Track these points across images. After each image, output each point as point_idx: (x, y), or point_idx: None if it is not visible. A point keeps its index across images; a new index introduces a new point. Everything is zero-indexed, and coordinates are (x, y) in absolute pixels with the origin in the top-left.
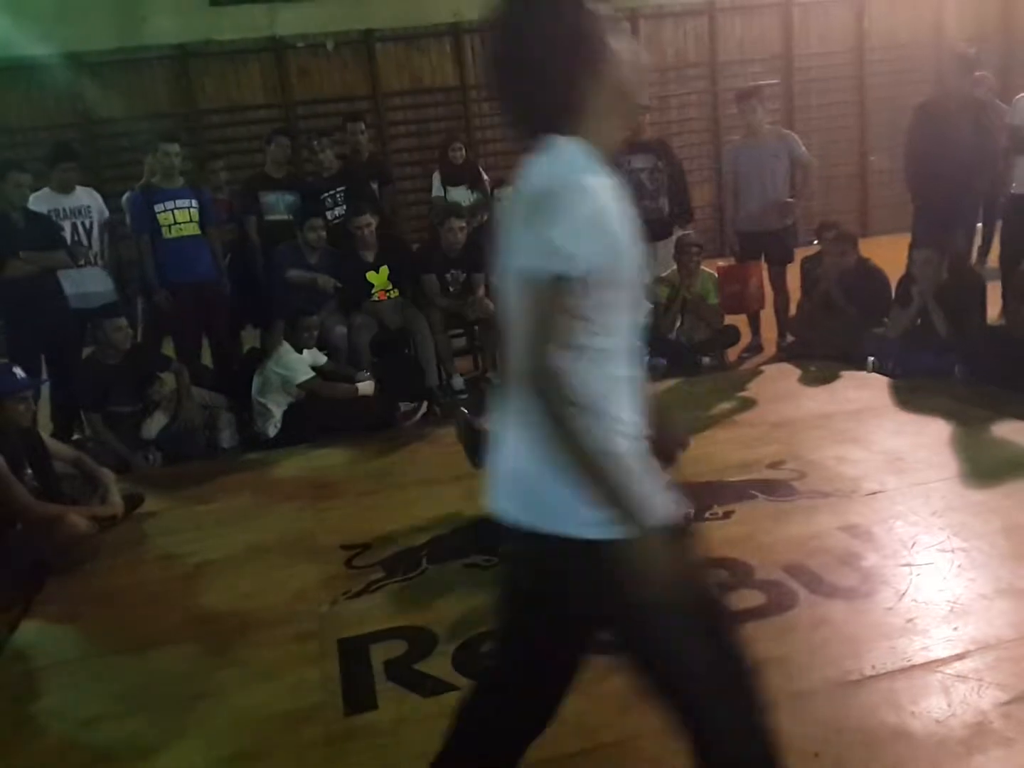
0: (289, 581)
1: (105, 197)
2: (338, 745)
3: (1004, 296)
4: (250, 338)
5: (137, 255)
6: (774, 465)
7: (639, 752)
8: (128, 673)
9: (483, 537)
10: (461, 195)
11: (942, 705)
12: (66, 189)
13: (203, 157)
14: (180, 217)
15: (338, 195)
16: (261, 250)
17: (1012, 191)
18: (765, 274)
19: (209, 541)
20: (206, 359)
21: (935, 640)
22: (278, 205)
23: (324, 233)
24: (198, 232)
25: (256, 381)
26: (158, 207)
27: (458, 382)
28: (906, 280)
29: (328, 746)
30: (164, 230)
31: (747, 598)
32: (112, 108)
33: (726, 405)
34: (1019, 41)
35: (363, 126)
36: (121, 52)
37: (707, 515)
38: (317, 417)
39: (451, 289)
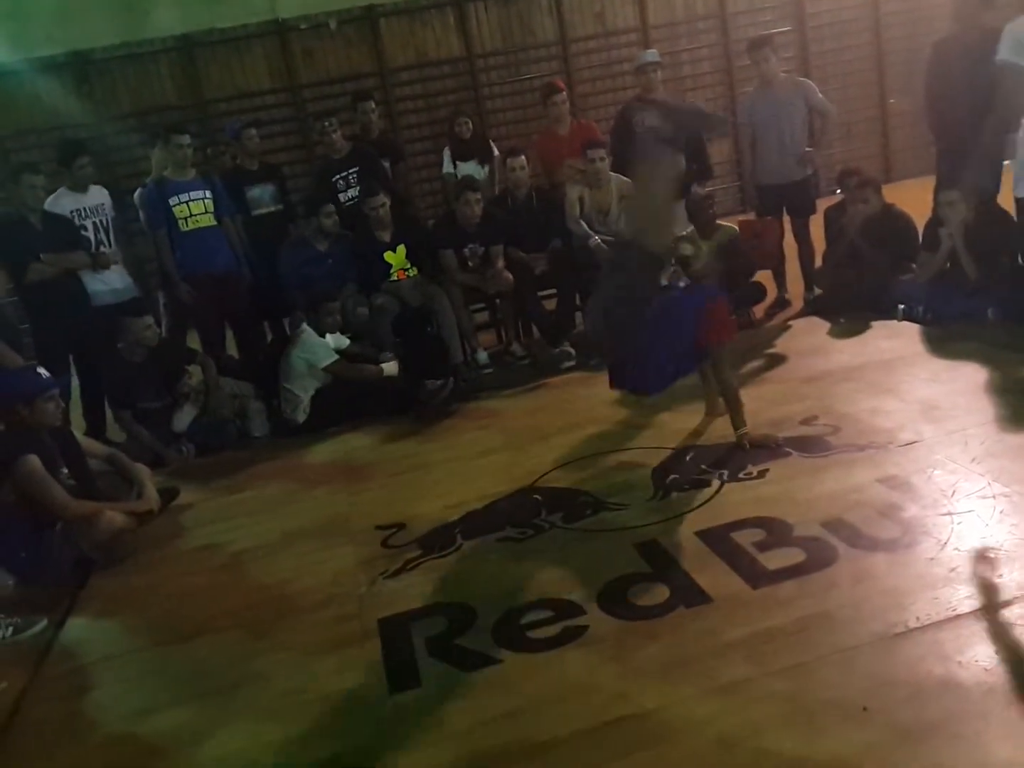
0: (326, 564)
1: (119, 194)
2: (384, 725)
3: None
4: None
5: (153, 251)
6: (807, 421)
7: (682, 717)
8: (173, 664)
9: (515, 511)
10: (472, 169)
11: (989, 653)
12: (83, 187)
13: (212, 146)
14: (195, 209)
15: (351, 176)
16: (252, 246)
17: None
18: (788, 227)
19: (245, 529)
20: (231, 349)
21: (980, 588)
22: (263, 197)
23: (337, 218)
24: (214, 223)
25: (282, 368)
26: (172, 200)
27: (482, 356)
28: (933, 223)
29: (375, 725)
30: (180, 223)
31: (787, 556)
32: (120, 104)
33: (755, 363)
34: None
35: (373, 104)
36: (125, 47)
37: (741, 475)
38: (344, 400)
39: (469, 264)
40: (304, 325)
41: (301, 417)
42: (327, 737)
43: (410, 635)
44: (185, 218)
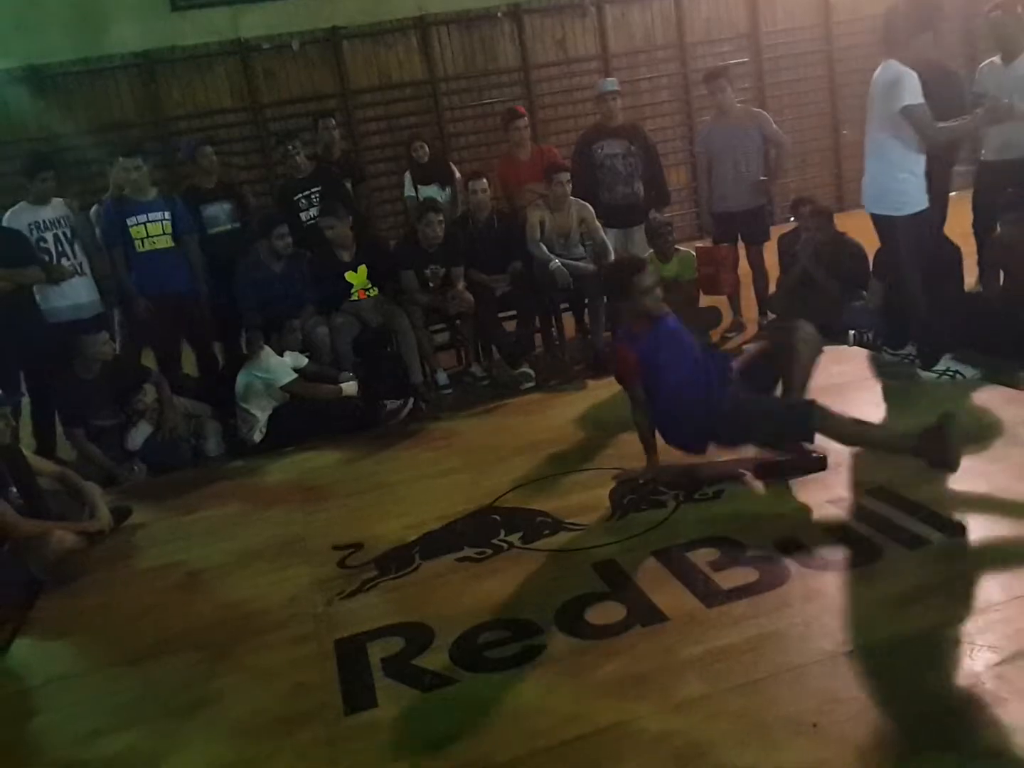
0: (282, 585)
1: (78, 210)
2: (340, 745)
3: (980, 264)
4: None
5: (109, 268)
6: None
7: (636, 735)
8: (124, 686)
9: (474, 531)
10: (433, 193)
11: (936, 670)
12: (44, 200)
13: (173, 166)
14: (153, 230)
15: (312, 196)
16: (209, 265)
17: (981, 158)
18: (743, 253)
19: (199, 550)
20: (188, 368)
21: (927, 607)
22: (220, 216)
23: (291, 239)
24: (171, 244)
25: (239, 387)
26: (130, 220)
27: (442, 377)
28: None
29: (330, 746)
30: (137, 243)
31: (740, 575)
32: (78, 120)
33: None
34: (983, 9)
35: (334, 122)
36: (83, 63)
37: (697, 495)
38: (302, 420)
39: (430, 284)
40: (262, 344)
41: (257, 437)
42: (282, 759)
43: (367, 655)
44: (142, 239)
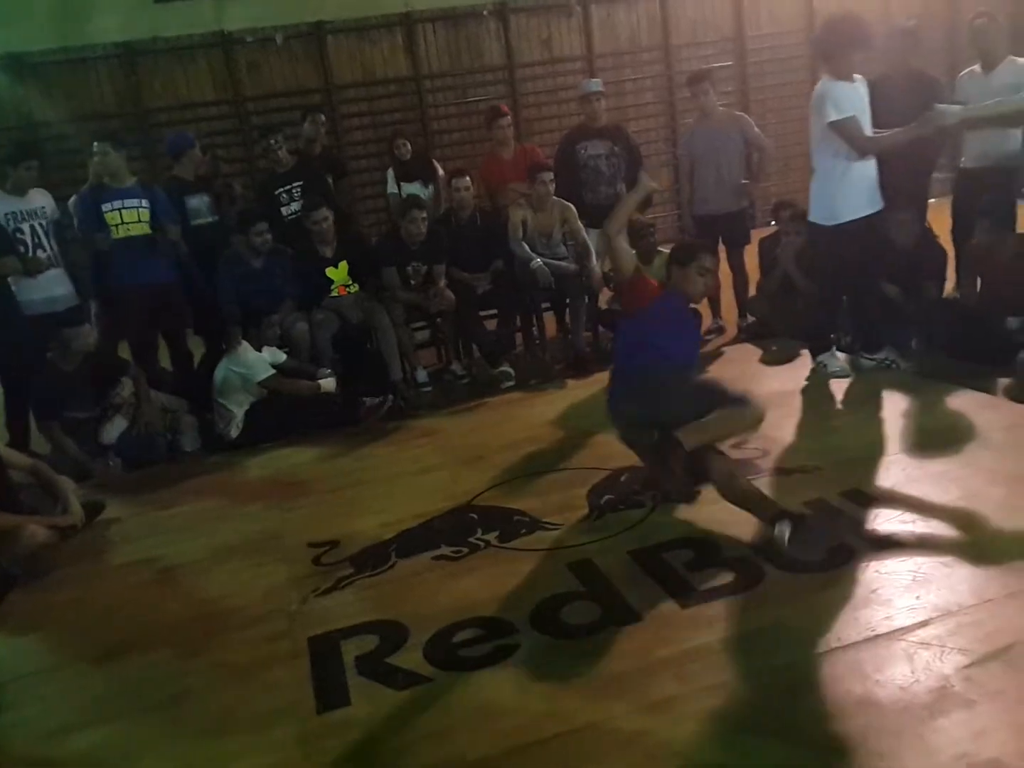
0: (257, 582)
1: (55, 201)
2: (312, 743)
3: (957, 269)
4: (194, 344)
5: (87, 258)
6: (738, 445)
7: (612, 734)
8: (96, 683)
9: (451, 529)
10: (416, 190)
11: (906, 672)
12: (22, 191)
13: (154, 157)
14: (128, 217)
15: (294, 190)
16: (193, 256)
17: (961, 166)
18: (724, 256)
19: (174, 546)
20: (164, 362)
21: (898, 609)
22: (201, 208)
23: (270, 236)
24: (148, 232)
25: (216, 382)
26: (105, 207)
27: (422, 375)
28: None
29: (302, 744)
30: (112, 230)
31: (716, 576)
32: (58, 110)
33: None
34: (964, 18)
35: (323, 118)
36: (64, 52)
37: (674, 496)
38: (280, 416)
39: (412, 282)
40: (240, 339)
41: (235, 432)
42: (253, 756)
43: (340, 653)
44: (116, 225)
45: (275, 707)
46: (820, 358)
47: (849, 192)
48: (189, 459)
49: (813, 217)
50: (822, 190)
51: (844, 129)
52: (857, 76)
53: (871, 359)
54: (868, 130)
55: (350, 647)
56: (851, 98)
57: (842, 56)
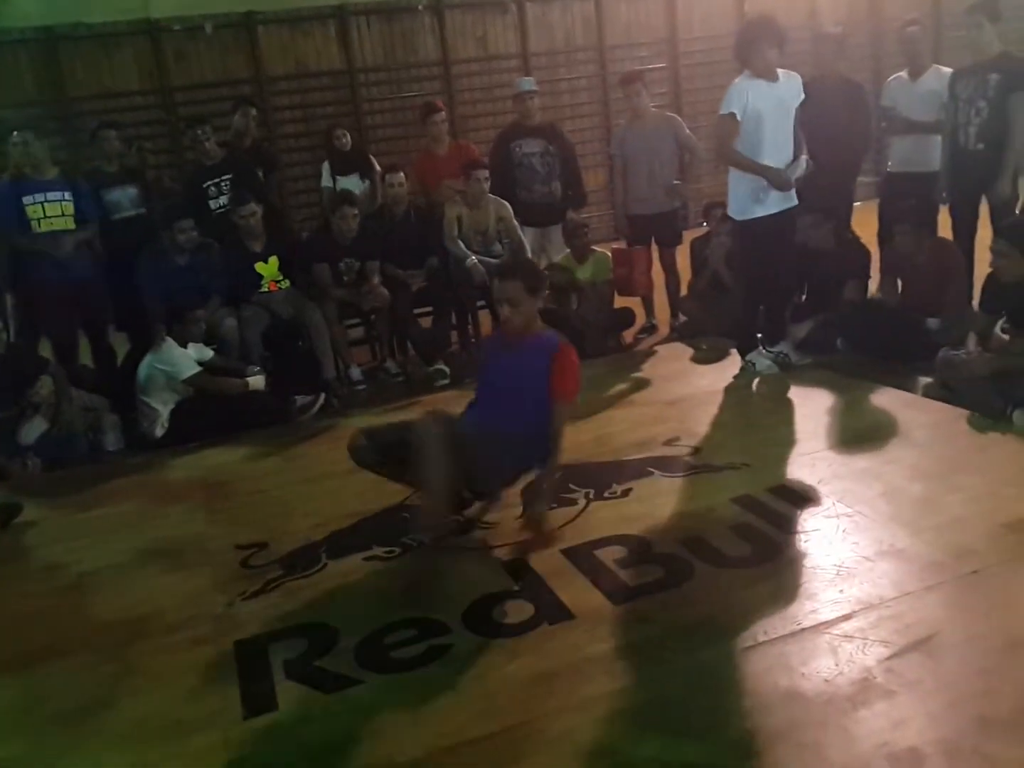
0: (181, 585)
1: None
2: (236, 750)
3: (880, 270)
4: (118, 340)
5: (2, 250)
6: (669, 442)
7: (541, 733)
8: (11, 692)
9: (383, 529)
10: (352, 184)
11: (830, 665)
12: None
13: (77, 147)
14: (51, 211)
15: (223, 184)
16: (113, 252)
17: (888, 170)
18: (656, 255)
19: (94, 549)
20: (84, 359)
21: (822, 603)
22: (123, 201)
23: (195, 233)
24: (72, 227)
25: (139, 379)
26: (27, 199)
27: (355, 373)
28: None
29: (227, 751)
30: (33, 224)
31: (646, 572)
32: None
33: (622, 386)
34: (888, 26)
35: (255, 111)
36: None
37: (607, 494)
38: (206, 415)
39: (345, 279)
40: (164, 335)
41: (159, 432)
42: (175, 764)
43: (268, 657)
44: (39, 219)
45: (198, 714)
46: (749, 357)
47: (758, 187)
48: (111, 459)
49: (731, 212)
50: (736, 185)
51: (717, 125)
52: (787, 74)
53: (770, 352)
54: (768, 127)
55: (278, 651)
56: (744, 95)
57: (756, 53)
